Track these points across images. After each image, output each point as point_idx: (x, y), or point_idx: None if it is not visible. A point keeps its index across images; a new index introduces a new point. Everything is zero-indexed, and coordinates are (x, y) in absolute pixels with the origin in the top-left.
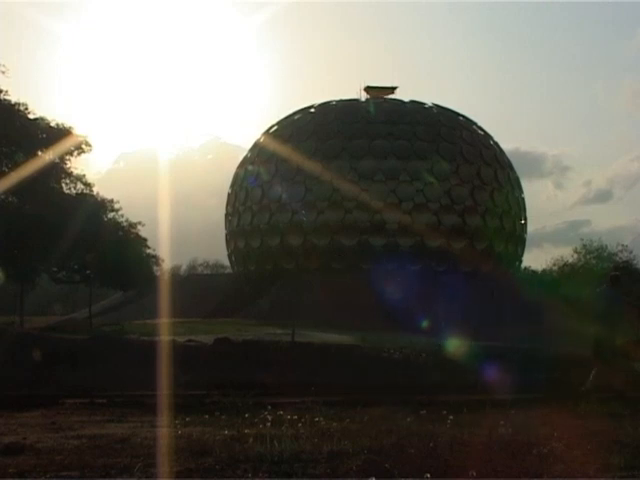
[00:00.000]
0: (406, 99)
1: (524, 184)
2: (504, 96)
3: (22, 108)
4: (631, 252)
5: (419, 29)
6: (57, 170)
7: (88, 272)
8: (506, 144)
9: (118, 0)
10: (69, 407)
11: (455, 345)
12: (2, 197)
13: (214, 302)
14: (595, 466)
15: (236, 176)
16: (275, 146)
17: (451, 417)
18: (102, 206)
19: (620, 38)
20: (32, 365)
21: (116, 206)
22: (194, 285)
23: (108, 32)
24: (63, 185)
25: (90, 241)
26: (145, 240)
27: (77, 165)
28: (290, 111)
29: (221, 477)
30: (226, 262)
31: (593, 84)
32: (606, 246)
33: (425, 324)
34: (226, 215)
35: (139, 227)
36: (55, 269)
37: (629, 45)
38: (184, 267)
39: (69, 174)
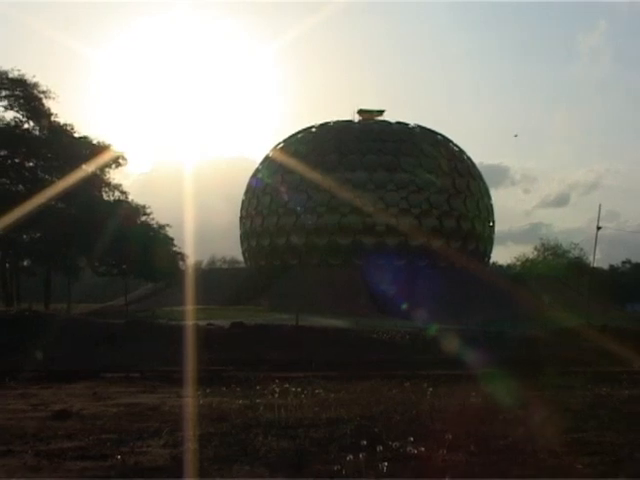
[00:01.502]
0: (393, 120)
1: (492, 192)
2: (476, 117)
3: (69, 128)
4: (582, 250)
5: (404, 61)
6: (98, 180)
7: (124, 266)
8: (477, 158)
9: (151, 27)
10: (108, 380)
11: (433, 328)
12: (52, 203)
13: (230, 292)
14: (550, 429)
15: (249, 185)
16: (282, 160)
17: (430, 389)
18: (136, 211)
19: (571, 63)
20: (77, 344)
21: (147, 211)
22: (213, 277)
23: (143, 58)
24: (103, 193)
25: (125, 240)
26: (172, 239)
27: (115, 176)
28: (294, 130)
29: (238, 437)
30: (241, 258)
31: (555, 106)
32: (561, 245)
33: (406, 307)
34: (240, 218)
35: (167, 228)
36: (96, 264)
37: (581, 69)
38: (205, 262)
39: (108, 184)
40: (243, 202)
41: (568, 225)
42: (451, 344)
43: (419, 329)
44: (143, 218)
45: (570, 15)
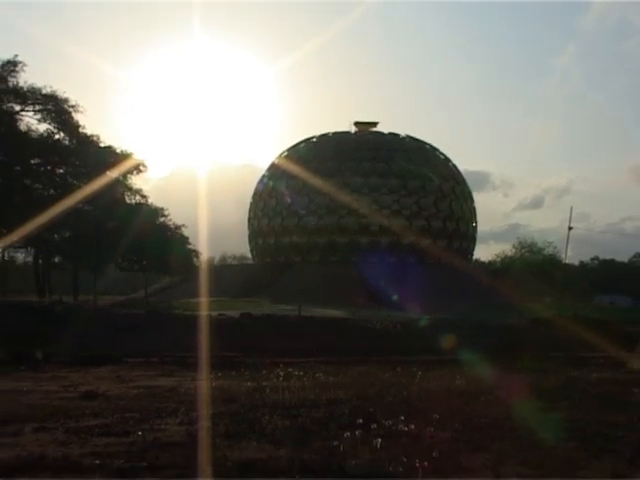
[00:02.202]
0: (385, 131)
1: (475, 196)
2: (460, 128)
3: (95, 139)
4: (555, 247)
5: (396, 78)
6: (121, 185)
7: (144, 262)
8: (461, 165)
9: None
10: (130, 364)
11: (424, 319)
12: (80, 206)
13: (240, 286)
14: (526, 408)
15: (256, 189)
16: (286, 166)
17: (419, 373)
18: (155, 213)
19: (545, 81)
20: (103, 332)
21: (165, 212)
22: (224, 273)
23: (162, 76)
24: (125, 197)
25: (145, 239)
26: (187, 238)
27: (136, 181)
28: (297, 140)
29: (246, 416)
30: (249, 255)
31: (531, 119)
32: (537, 243)
33: (397, 299)
34: (249, 219)
35: (183, 228)
36: (119, 260)
37: (553, 86)
38: (217, 259)
39: (130, 188)
40: (251, 204)
41: (543, 225)
42: (438, 332)
43: (409, 319)
44: (161, 219)
45: (544, 39)
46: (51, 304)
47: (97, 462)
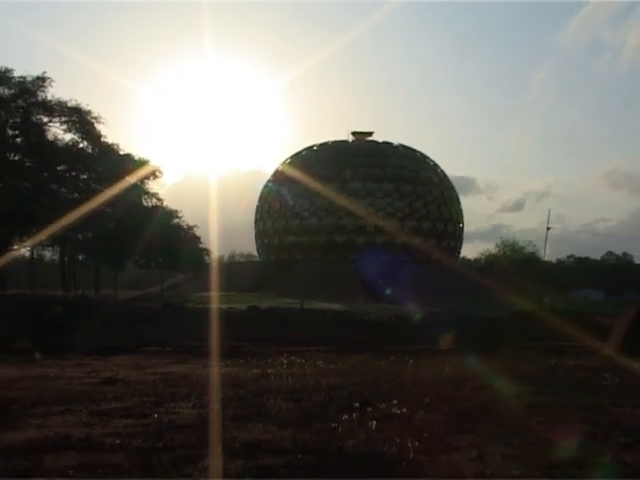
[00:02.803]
0: (380, 140)
1: (461, 199)
2: (449, 137)
3: (115, 147)
4: (534, 246)
5: (389, 92)
6: (138, 189)
7: (160, 260)
8: (449, 171)
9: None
10: (147, 353)
11: (414, 311)
12: (101, 208)
13: (247, 281)
14: (510, 393)
15: (262, 193)
16: (289, 172)
17: (411, 361)
18: (169, 214)
19: (525, 93)
20: (122, 324)
21: (179, 214)
22: (233, 269)
23: (176, 88)
24: (143, 200)
25: (161, 239)
26: (199, 238)
27: (152, 186)
28: (300, 148)
29: (253, 400)
30: (256, 253)
31: (513, 128)
32: (518, 242)
33: (391, 293)
34: (255, 220)
35: (195, 229)
36: (137, 258)
37: (533, 98)
38: (226, 256)
39: (147, 192)
40: (257, 207)
41: (523, 226)
42: (428, 324)
43: (402, 312)
44: (175, 220)
45: (524, 55)
46: (75, 298)
47: (117, 442)
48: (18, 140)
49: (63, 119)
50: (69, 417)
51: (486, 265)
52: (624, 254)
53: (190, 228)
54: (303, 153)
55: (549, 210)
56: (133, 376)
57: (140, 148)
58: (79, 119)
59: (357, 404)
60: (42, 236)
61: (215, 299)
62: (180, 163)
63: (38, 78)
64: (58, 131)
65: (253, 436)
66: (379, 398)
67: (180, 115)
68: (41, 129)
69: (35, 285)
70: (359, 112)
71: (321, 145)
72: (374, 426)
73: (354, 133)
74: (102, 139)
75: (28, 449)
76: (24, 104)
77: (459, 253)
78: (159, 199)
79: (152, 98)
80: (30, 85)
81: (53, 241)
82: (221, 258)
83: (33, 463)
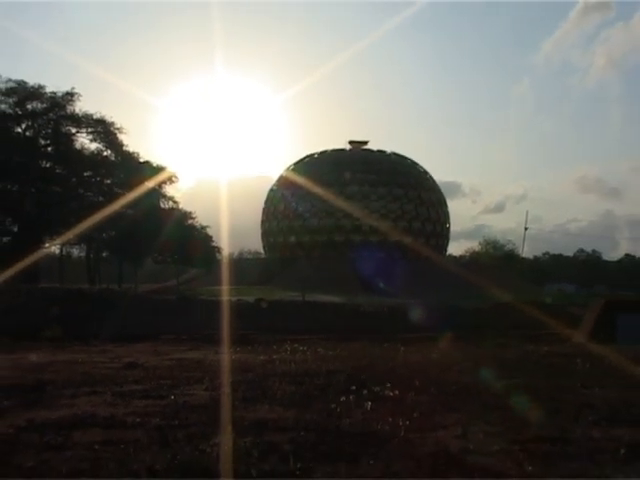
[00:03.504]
0: (375, 149)
1: (448, 202)
2: (437, 146)
3: (135, 155)
4: (514, 244)
5: (383, 105)
6: (156, 193)
7: (176, 256)
8: (437, 177)
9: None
10: (164, 340)
11: (405, 303)
12: (123, 210)
13: (254, 276)
14: (490, 375)
15: (268, 196)
16: (293, 178)
17: (403, 348)
18: (184, 216)
19: (505, 107)
20: (142, 314)
21: (193, 215)
22: (242, 265)
23: (191, 101)
24: (160, 202)
25: (177, 238)
26: (211, 237)
27: (169, 190)
28: (302, 156)
29: (260, 383)
30: (262, 251)
31: (493, 139)
32: (499, 241)
33: (384, 287)
34: (262, 221)
35: (207, 229)
36: (155, 255)
37: (511, 111)
38: (236, 254)
39: (164, 196)
40: (263, 209)
41: (504, 226)
42: (418, 315)
43: (395, 303)
44: (189, 221)
45: (504, 72)
46: (100, 291)
47: (138, 420)
48: (49, 149)
49: (89, 130)
50: (95, 398)
51: (470, 261)
52: (593, 251)
53: (203, 228)
54: (305, 160)
55: (527, 212)
56: (152, 361)
57: (158, 156)
58: (103, 130)
59: (354, 387)
60: (70, 235)
61: (225, 292)
62: (194, 169)
63: (67, 93)
64: (85, 141)
65: (260, 415)
66: (374, 381)
67: (194, 126)
68: (70, 139)
69: (64, 279)
70: (355, 123)
71: (321, 153)
72: (369, 407)
73: (351, 142)
74: (124, 148)
75: (59, 426)
76: (55, 117)
77: (446, 251)
78: (175, 202)
79: (168, 110)
80: (60, 99)
81: (80, 239)
82: (231, 255)
83: (64, 438)
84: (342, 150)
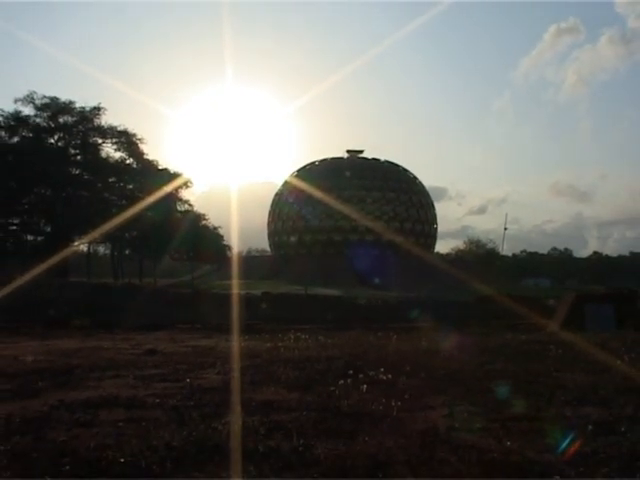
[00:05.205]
0: (369, 157)
1: (436, 205)
2: (425, 153)
3: (154, 163)
4: (495, 243)
5: (378, 117)
6: (173, 197)
7: (191, 254)
8: (426, 182)
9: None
10: (180, 330)
11: (397, 296)
12: (144, 213)
13: (261, 271)
14: (475, 361)
15: (274, 200)
16: (296, 183)
17: (395, 336)
18: (198, 217)
19: (486, 118)
20: (160, 306)
21: (206, 217)
22: (250, 262)
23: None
24: (177, 205)
25: (191, 237)
26: (222, 236)
27: (184, 194)
28: (304, 163)
29: (266, 368)
30: (268, 249)
31: (477, 147)
32: (481, 240)
33: (378, 281)
34: (268, 222)
35: (219, 229)
36: (172, 252)
37: (493, 122)
38: (245, 251)
39: (180, 199)
40: (269, 211)
41: (486, 227)
42: (409, 307)
43: (388, 296)
44: (203, 222)
45: (486, 86)
46: (123, 285)
47: (157, 401)
48: (78, 158)
49: (114, 140)
50: (118, 381)
51: (456, 259)
52: (566, 249)
53: (215, 228)
54: (307, 167)
55: (506, 214)
56: (169, 348)
57: (174, 163)
58: (126, 140)
59: (351, 371)
60: (96, 234)
61: (235, 286)
62: (207, 175)
63: (94, 108)
64: (110, 150)
65: (266, 397)
66: (369, 367)
67: (207, 136)
68: (96, 149)
69: (91, 274)
70: (352, 134)
71: (321, 161)
72: (365, 389)
73: (348, 151)
74: (144, 156)
75: (87, 405)
76: (83, 129)
77: (434, 249)
78: (190, 205)
79: (183, 120)
80: (88, 113)
81: (105, 239)
82: (240, 253)
83: (91, 416)
84: (340, 158)
